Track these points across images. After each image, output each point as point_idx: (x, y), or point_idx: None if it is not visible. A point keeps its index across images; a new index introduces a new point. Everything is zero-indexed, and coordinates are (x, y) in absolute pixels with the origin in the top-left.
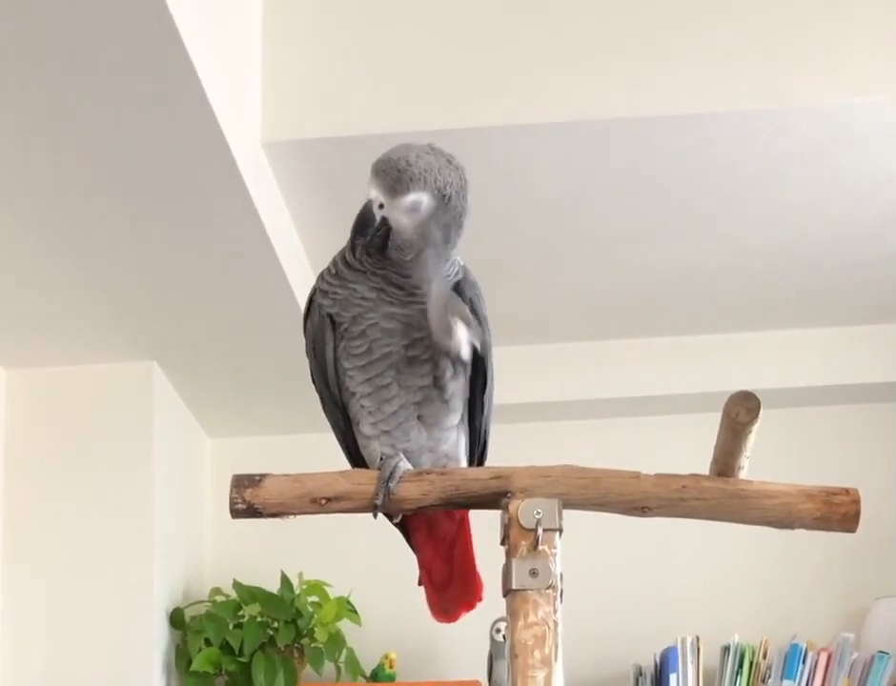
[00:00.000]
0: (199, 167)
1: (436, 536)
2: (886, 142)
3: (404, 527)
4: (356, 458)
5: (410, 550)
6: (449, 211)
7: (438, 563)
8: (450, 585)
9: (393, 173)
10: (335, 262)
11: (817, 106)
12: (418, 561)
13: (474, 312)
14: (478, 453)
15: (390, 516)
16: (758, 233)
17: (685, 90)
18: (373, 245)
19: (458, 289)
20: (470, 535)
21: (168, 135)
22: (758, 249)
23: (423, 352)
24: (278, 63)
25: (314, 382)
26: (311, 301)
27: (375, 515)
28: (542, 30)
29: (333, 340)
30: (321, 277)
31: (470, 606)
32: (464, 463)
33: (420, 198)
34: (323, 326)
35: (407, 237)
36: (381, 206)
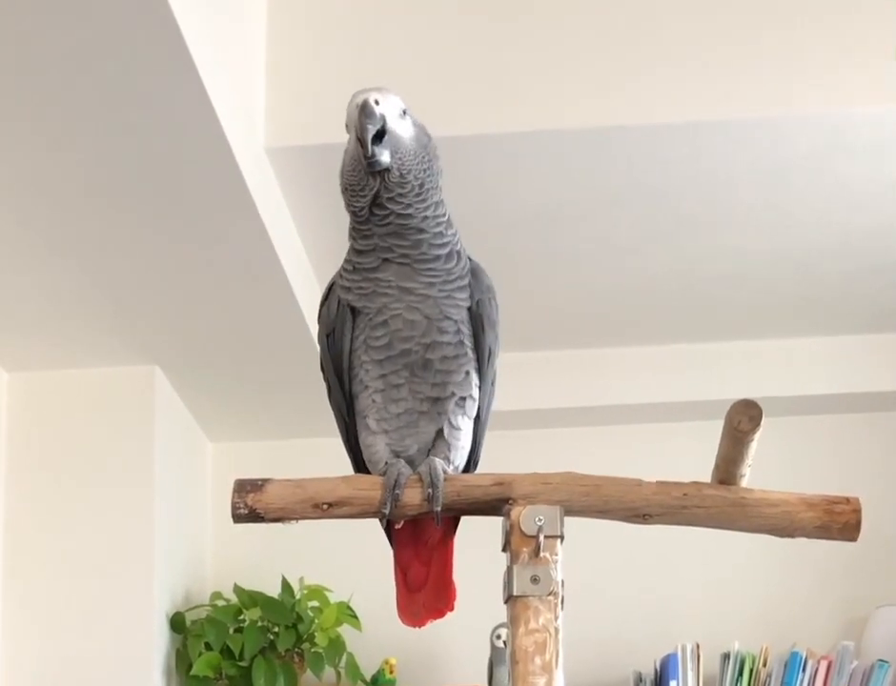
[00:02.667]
0: (202, 172)
1: (418, 538)
2: (887, 150)
3: (393, 525)
4: (356, 451)
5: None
6: (425, 134)
7: (417, 565)
8: (423, 589)
9: (375, 85)
10: (347, 260)
11: (817, 114)
12: (395, 560)
13: (480, 315)
14: (472, 460)
15: (391, 522)
16: (759, 241)
17: (685, 98)
18: (381, 167)
19: (469, 285)
20: (452, 544)
21: (171, 140)
22: (759, 257)
23: (441, 360)
24: (282, 69)
25: (322, 369)
26: (330, 290)
27: (382, 523)
28: (540, 38)
29: (352, 331)
30: (340, 274)
31: (439, 614)
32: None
33: (404, 107)
34: (344, 316)
35: (406, 147)
36: (377, 102)
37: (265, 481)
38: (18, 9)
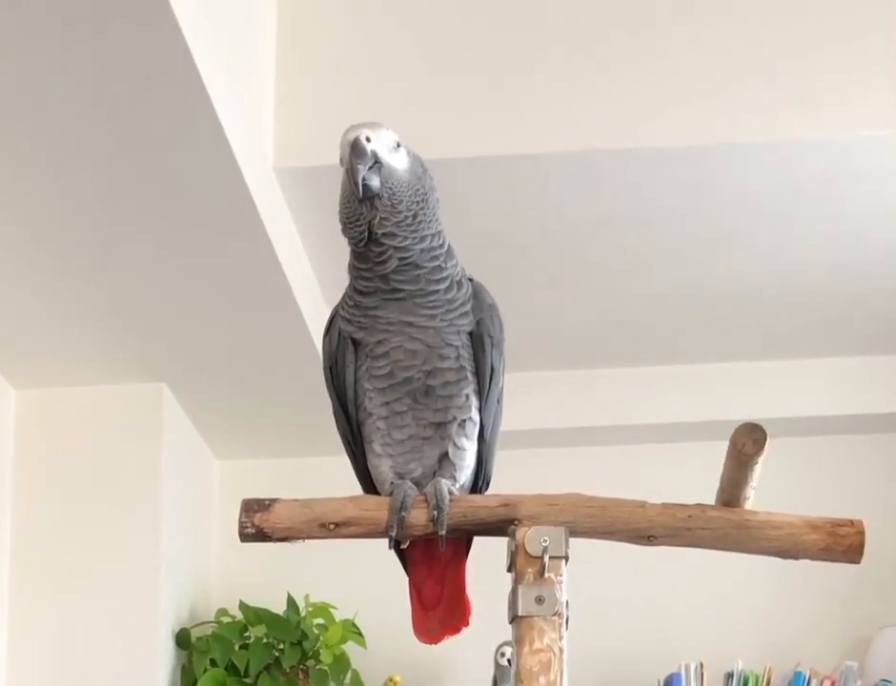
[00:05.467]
0: (212, 192)
1: (431, 556)
2: (891, 175)
3: (399, 545)
4: (364, 473)
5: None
6: (420, 166)
7: (430, 583)
8: (438, 606)
9: (368, 121)
10: (348, 296)
11: (822, 139)
12: (409, 579)
13: (481, 335)
14: (482, 478)
15: (398, 542)
16: (764, 263)
17: (693, 122)
18: (371, 193)
19: (471, 309)
20: (465, 560)
21: (181, 161)
22: (764, 279)
23: (442, 385)
24: (291, 90)
25: (330, 397)
26: (332, 321)
27: (390, 546)
28: (553, 63)
29: (354, 361)
30: (342, 306)
31: (455, 629)
32: (467, 489)
33: (398, 139)
34: (345, 347)
35: (398, 178)
36: (368, 139)
37: (272, 501)
38: (36, 39)
